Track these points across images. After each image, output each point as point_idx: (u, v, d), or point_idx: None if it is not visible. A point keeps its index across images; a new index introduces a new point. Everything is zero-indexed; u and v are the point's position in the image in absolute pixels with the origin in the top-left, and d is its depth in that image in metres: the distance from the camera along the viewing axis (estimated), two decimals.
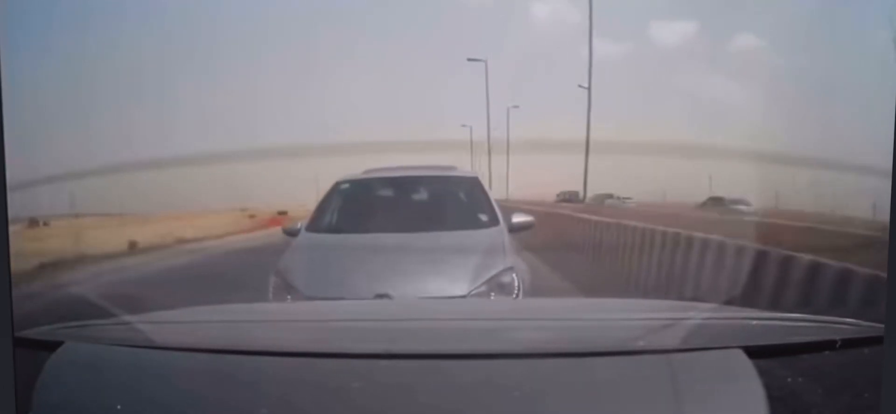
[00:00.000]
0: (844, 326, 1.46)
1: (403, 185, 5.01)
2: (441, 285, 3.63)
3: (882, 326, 0.93)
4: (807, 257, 4.38)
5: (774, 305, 4.24)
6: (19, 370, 1.05)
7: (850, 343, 1.27)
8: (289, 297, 3.69)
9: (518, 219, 4.52)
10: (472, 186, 4.98)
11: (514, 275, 3.80)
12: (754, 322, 1.64)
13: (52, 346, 1.26)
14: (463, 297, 3.54)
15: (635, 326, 1.64)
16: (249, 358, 1.25)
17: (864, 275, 3.86)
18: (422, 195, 4.96)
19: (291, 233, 4.64)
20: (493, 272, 3.77)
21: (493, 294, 3.66)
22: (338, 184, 4.99)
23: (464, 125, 15.57)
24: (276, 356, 1.26)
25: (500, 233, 4.33)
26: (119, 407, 1.05)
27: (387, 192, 5.03)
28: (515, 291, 3.73)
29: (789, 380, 1.13)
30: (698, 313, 1.83)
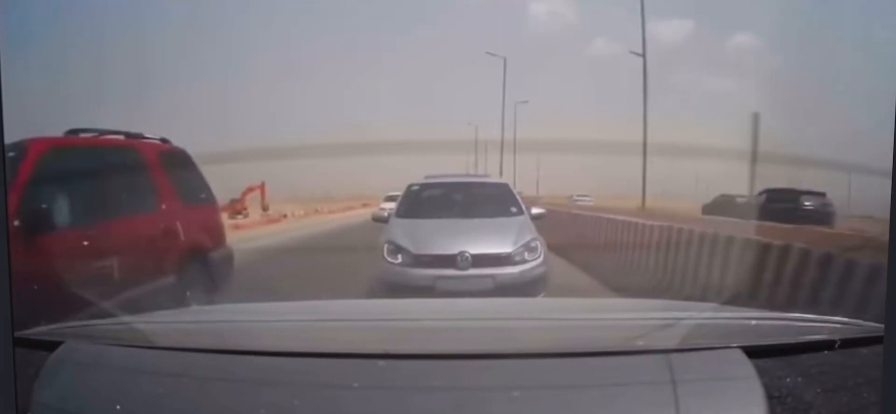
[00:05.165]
0: (844, 326, 1.46)
1: (454, 187, 7.42)
2: (494, 246, 5.84)
3: (882, 326, 0.93)
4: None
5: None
6: (19, 370, 1.05)
7: (849, 343, 1.27)
8: (399, 256, 5.80)
9: (535, 211, 6.81)
10: (503, 189, 7.23)
11: (538, 242, 5.99)
12: (754, 322, 1.64)
13: (51, 345, 1.26)
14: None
15: (635, 326, 1.64)
16: (249, 358, 1.25)
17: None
18: (468, 194, 7.21)
19: (379, 219, 6.79)
20: (526, 239, 5.95)
21: (526, 252, 5.83)
22: (410, 186, 7.22)
23: (469, 123, 17.55)
24: (276, 356, 1.26)
25: (526, 219, 6.49)
26: (118, 407, 1.05)
27: (444, 193, 7.32)
28: (539, 252, 5.91)
29: (789, 380, 1.13)
30: (698, 313, 1.83)
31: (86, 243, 3.81)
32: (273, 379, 1.15)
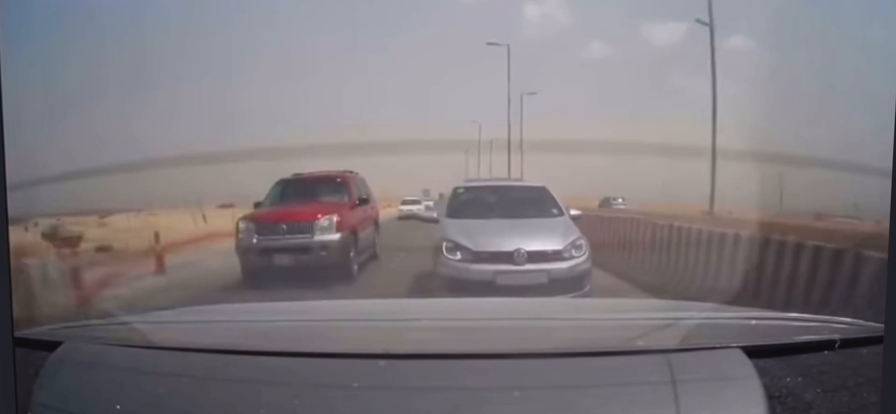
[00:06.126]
0: (844, 325, 1.46)
1: (496, 190, 7.88)
2: (546, 243, 6.24)
3: (882, 326, 0.93)
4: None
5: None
6: (19, 370, 1.05)
7: (849, 343, 1.27)
8: (458, 253, 6.23)
9: (573, 212, 7.19)
10: (543, 192, 7.53)
11: (582, 241, 6.37)
12: (754, 322, 1.64)
13: (51, 345, 1.26)
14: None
15: (635, 326, 1.64)
16: (249, 358, 1.25)
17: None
18: (510, 196, 7.64)
19: (429, 220, 7.71)
20: (572, 238, 6.35)
21: (573, 250, 6.22)
22: (455, 189, 7.78)
23: (474, 121, 17.17)
24: (276, 356, 1.26)
25: (567, 219, 6.96)
26: (118, 407, 1.05)
27: (488, 195, 7.71)
28: (585, 250, 6.27)
29: (789, 380, 1.13)
30: (698, 313, 1.83)
31: (360, 215, 8.66)
32: (273, 379, 1.15)
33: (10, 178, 1.05)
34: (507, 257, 6.04)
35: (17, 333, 1.06)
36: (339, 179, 8.73)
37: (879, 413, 0.99)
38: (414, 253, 7.99)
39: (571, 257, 6.19)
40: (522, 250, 6.05)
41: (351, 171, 9.08)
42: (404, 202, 15.49)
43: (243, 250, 7.56)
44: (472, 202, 7.46)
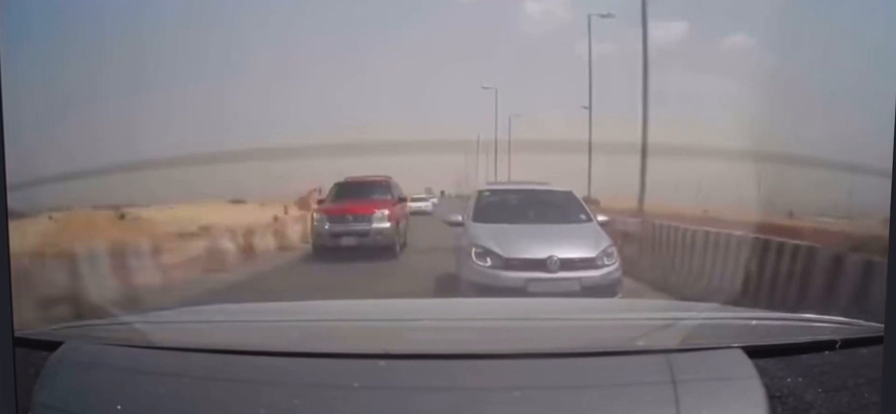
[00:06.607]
0: (844, 325, 1.46)
1: (522, 194, 7.59)
2: (579, 250, 6.07)
3: (882, 326, 0.93)
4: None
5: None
6: (19, 370, 1.05)
7: (850, 343, 1.27)
8: (488, 259, 6.04)
9: (600, 218, 6.98)
10: (569, 197, 7.38)
11: (614, 248, 6.24)
12: (754, 322, 1.64)
13: (52, 346, 1.26)
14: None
15: (635, 326, 1.64)
16: (249, 358, 1.25)
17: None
18: (537, 200, 7.41)
19: (454, 223, 7.20)
20: (604, 245, 6.19)
21: (605, 257, 6.06)
22: (480, 192, 7.64)
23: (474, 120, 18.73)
24: (276, 356, 1.26)
25: (596, 226, 6.74)
26: (118, 407, 1.05)
27: (514, 199, 7.52)
28: (616, 258, 6.16)
29: (789, 380, 1.13)
30: (698, 313, 1.83)
31: (399, 211, 10.68)
32: (273, 379, 1.15)
33: (11, 177, 1.04)
34: (540, 265, 5.87)
35: (18, 333, 1.06)
36: (383, 183, 11.09)
37: (880, 413, 0.99)
38: (430, 240, 10.03)
39: (604, 265, 6.02)
40: (555, 257, 5.88)
41: (389, 176, 11.35)
42: (414, 199, 16.89)
43: (318, 234, 10.21)
44: (498, 206, 7.27)
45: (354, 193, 10.84)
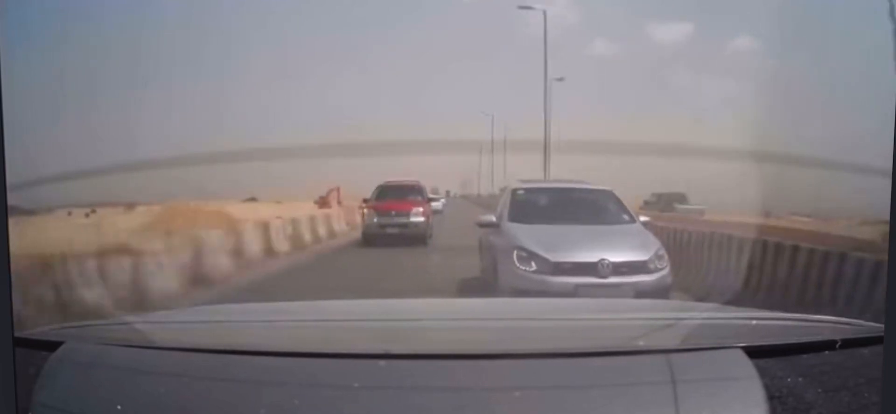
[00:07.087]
0: (844, 325, 1.46)
1: (560, 192, 7.14)
2: (631, 254, 5.73)
3: (882, 326, 0.93)
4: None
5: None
6: (19, 370, 1.05)
7: (850, 343, 1.27)
8: (533, 263, 5.65)
9: (642, 219, 6.65)
10: (610, 196, 6.87)
11: (663, 251, 5.92)
12: (754, 322, 1.64)
13: (52, 346, 1.26)
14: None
15: (635, 326, 1.64)
16: (249, 358, 1.25)
17: None
18: (576, 200, 6.96)
19: (486, 224, 6.81)
20: (654, 248, 5.87)
21: (657, 261, 5.72)
22: (514, 190, 7.08)
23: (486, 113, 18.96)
24: (276, 356, 1.26)
25: (642, 226, 6.42)
26: (118, 407, 1.05)
27: (552, 198, 7.06)
28: (666, 261, 5.81)
29: (789, 380, 1.13)
30: (698, 313, 1.83)
31: (428, 209, 13.07)
32: (273, 379, 1.15)
33: (12, 177, 1.04)
34: (591, 269, 5.50)
35: (18, 333, 1.06)
36: (416, 186, 13.29)
37: (880, 413, 0.99)
38: (449, 231, 12.66)
39: (657, 269, 5.67)
40: (607, 261, 5.53)
41: (418, 180, 13.56)
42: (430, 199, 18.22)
43: (367, 225, 12.63)
44: (535, 206, 6.83)
45: (394, 194, 13.09)
